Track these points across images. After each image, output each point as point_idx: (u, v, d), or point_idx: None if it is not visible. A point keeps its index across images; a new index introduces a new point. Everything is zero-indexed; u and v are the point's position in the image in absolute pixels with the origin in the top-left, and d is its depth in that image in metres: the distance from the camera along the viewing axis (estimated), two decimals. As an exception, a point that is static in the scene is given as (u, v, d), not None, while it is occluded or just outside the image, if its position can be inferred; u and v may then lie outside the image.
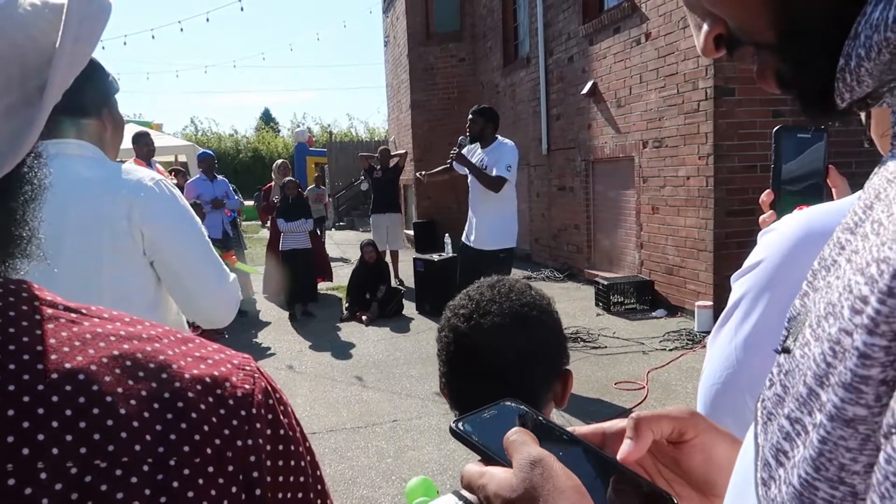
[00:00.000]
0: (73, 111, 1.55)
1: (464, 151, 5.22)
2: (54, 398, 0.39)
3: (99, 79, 1.59)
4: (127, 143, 2.30)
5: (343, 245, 14.28)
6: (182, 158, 12.86)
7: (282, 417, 0.49)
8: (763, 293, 0.78)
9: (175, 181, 8.06)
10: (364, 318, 7.29)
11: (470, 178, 5.26)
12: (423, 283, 7.64)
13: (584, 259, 9.11)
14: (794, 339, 0.34)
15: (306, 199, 8.05)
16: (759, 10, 0.37)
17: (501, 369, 0.89)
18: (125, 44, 41.42)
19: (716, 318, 5.74)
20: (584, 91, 8.47)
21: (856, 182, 1.15)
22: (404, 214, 12.13)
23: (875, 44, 0.31)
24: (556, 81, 9.69)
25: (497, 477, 0.45)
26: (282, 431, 0.49)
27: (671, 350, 5.71)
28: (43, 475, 0.37)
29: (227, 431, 0.45)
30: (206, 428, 0.44)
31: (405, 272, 9.39)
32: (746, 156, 6.12)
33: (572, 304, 7.69)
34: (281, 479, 0.48)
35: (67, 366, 0.41)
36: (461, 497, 0.89)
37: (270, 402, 0.49)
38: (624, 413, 4.41)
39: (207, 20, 21.78)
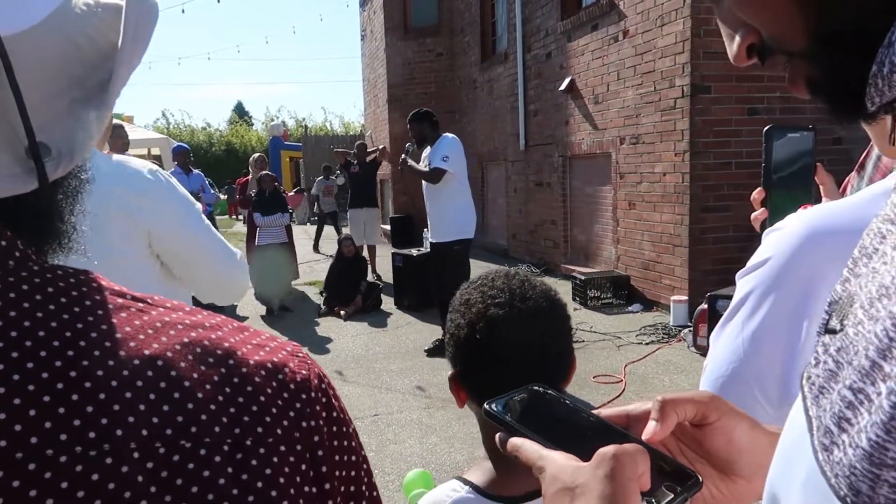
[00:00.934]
0: None
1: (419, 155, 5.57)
2: (139, 383, 0.41)
3: None
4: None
5: (319, 239, 14.18)
6: (156, 152, 12.66)
7: (334, 401, 0.52)
8: (771, 289, 0.80)
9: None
10: (343, 312, 7.27)
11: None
12: (401, 278, 7.64)
13: (560, 254, 9.18)
14: (841, 319, 0.36)
15: (283, 193, 7.99)
16: (794, 19, 0.39)
17: (542, 354, 0.91)
18: (95, 34, 40.51)
19: (691, 312, 5.81)
20: (562, 87, 8.52)
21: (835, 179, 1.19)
22: (381, 209, 12.11)
23: None
24: (533, 77, 9.74)
25: (558, 462, 0.46)
26: (335, 414, 0.51)
27: (647, 344, 5.79)
28: (136, 454, 0.39)
29: (292, 413, 0.47)
30: (273, 410, 0.46)
31: (382, 267, 9.38)
32: (722, 153, 6.22)
33: (550, 298, 7.74)
34: (337, 458, 0.50)
35: (146, 352, 0.43)
36: (465, 481, 0.91)
37: (324, 386, 0.51)
38: (591, 408, 4.47)
39: (183, 11, 21.47)
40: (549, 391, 0.55)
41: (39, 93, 0.42)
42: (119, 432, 0.39)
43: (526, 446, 0.49)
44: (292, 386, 0.48)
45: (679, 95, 6.31)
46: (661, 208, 6.76)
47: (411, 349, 5.96)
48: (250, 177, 8.92)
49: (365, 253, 9.36)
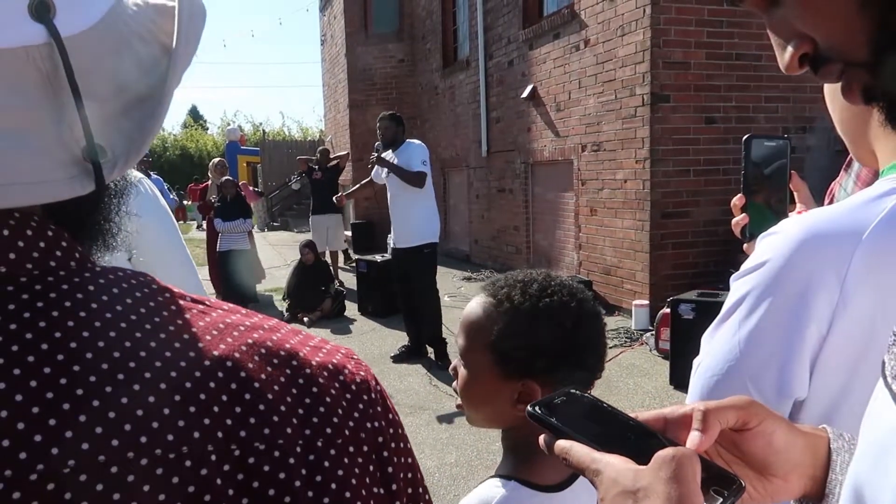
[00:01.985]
0: None
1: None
2: (211, 384, 0.41)
3: None
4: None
5: (278, 246, 14.02)
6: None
7: (388, 402, 0.52)
8: (768, 291, 0.82)
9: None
10: (306, 319, 7.18)
11: (388, 181, 5.48)
12: (365, 284, 7.60)
13: (523, 260, 9.25)
14: None
15: (245, 199, 7.87)
16: (858, 30, 0.40)
17: (599, 348, 0.98)
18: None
19: (652, 316, 5.90)
20: (524, 95, 8.61)
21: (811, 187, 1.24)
22: (344, 216, 12.03)
23: None
24: (495, 84, 9.82)
25: (615, 466, 0.47)
26: (391, 416, 0.51)
27: (611, 348, 5.88)
28: (213, 457, 0.39)
29: (356, 414, 0.47)
30: (340, 411, 0.46)
31: (346, 273, 9.32)
32: (680, 160, 6.38)
33: (513, 304, 7.80)
34: (397, 459, 0.50)
35: (215, 353, 0.43)
36: (506, 478, 0.91)
37: (379, 388, 0.51)
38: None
39: (134, 12, 20.95)
40: (587, 394, 0.56)
41: (98, 93, 0.42)
42: (196, 434, 0.39)
43: (576, 449, 0.49)
44: (353, 387, 0.48)
45: (639, 104, 6.44)
46: (622, 214, 6.88)
47: (377, 355, 5.93)
48: (209, 182, 8.76)
49: (328, 258, 9.29)
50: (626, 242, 6.86)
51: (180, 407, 0.39)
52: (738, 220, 1.08)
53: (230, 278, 7.48)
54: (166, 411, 0.39)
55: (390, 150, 5.53)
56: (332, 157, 9.82)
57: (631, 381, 5.07)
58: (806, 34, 0.43)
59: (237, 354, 0.43)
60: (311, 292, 7.47)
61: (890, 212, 0.76)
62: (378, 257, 7.65)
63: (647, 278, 6.52)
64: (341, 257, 10.00)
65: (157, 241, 1.53)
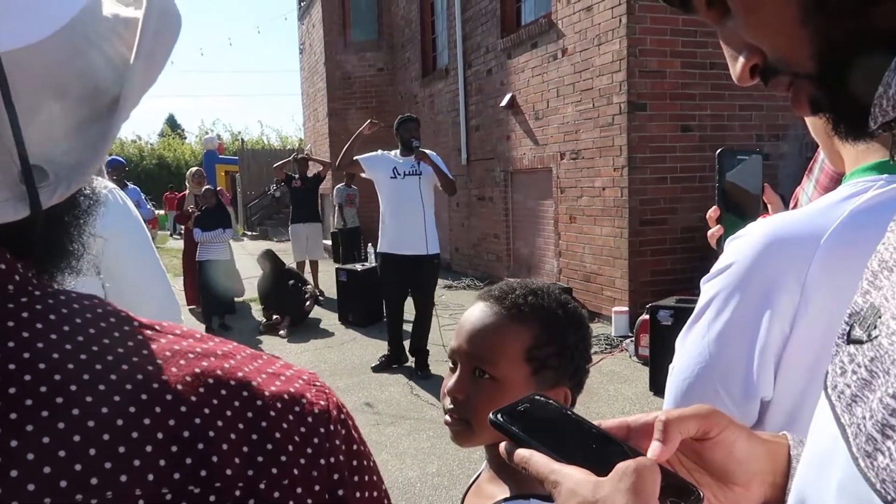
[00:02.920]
0: None
1: (385, 157, 5.35)
2: (146, 421, 0.38)
3: None
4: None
5: (256, 255, 13.89)
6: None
7: (353, 432, 0.49)
8: (734, 293, 0.84)
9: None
10: (281, 332, 7.10)
11: (403, 184, 5.28)
12: (346, 294, 7.56)
13: (503, 267, 9.28)
14: (867, 330, 0.38)
15: (225, 209, 7.81)
16: (802, 43, 0.41)
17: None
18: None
19: (632, 323, 5.94)
20: (503, 103, 8.66)
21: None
22: (322, 224, 11.97)
23: None
24: (474, 93, 9.86)
25: (573, 478, 0.47)
26: (355, 447, 0.48)
27: (591, 354, 5.90)
28: (141, 502, 0.36)
29: (310, 450, 0.44)
30: (290, 448, 0.43)
31: (325, 282, 9.27)
32: (658, 168, 6.45)
33: (494, 311, 7.81)
34: (358, 494, 0.47)
35: (155, 385, 0.40)
36: (526, 496, 0.88)
37: (342, 416, 0.48)
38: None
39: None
40: (551, 401, 0.55)
41: (43, 112, 0.39)
42: (123, 478, 0.36)
43: (535, 458, 0.49)
44: (310, 419, 0.45)
45: (617, 112, 6.51)
46: (601, 222, 6.94)
47: (357, 365, 5.90)
48: (187, 192, 8.68)
49: (307, 268, 9.24)
50: (605, 249, 6.91)
51: (107, 448, 0.36)
52: (714, 231, 1.11)
53: (209, 288, 7.41)
54: (92, 452, 0.36)
55: (398, 153, 5.34)
56: (310, 160, 9.77)
57: (611, 387, 5.09)
58: (755, 46, 0.43)
59: (180, 386, 0.40)
60: (287, 297, 7.42)
61: (848, 216, 0.79)
62: (358, 266, 7.62)
63: (627, 285, 6.57)
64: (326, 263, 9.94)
65: (127, 252, 1.51)
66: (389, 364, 5.70)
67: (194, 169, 8.67)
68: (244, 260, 12.84)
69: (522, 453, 0.50)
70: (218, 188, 8.60)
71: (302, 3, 15.50)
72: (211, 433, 0.40)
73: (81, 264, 0.48)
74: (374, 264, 7.38)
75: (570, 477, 0.47)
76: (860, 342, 0.38)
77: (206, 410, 0.40)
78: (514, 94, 8.52)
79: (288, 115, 74.59)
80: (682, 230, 6.44)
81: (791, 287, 0.79)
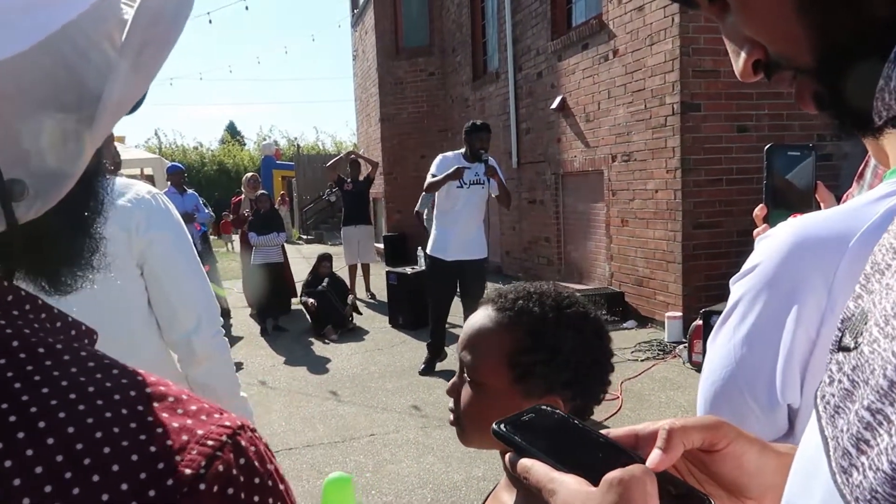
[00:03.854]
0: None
1: (453, 165, 5.31)
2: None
3: None
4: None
5: (311, 259, 14.16)
6: (148, 171, 12.64)
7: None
8: (760, 294, 0.82)
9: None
10: (333, 337, 7.19)
11: (469, 192, 5.31)
12: (396, 297, 7.63)
13: (554, 271, 9.20)
14: (855, 337, 0.36)
15: (278, 213, 8.00)
16: (800, 36, 0.39)
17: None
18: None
19: (685, 328, 5.81)
20: (554, 106, 8.60)
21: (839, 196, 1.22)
22: (375, 228, 12.12)
23: None
24: (525, 96, 9.82)
25: (569, 486, 0.46)
26: None
27: (643, 360, 5.80)
28: None
29: None
30: None
31: (377, 285, 9.37)
32: (712, 169, 6.28)
33: (544, 315, 7.75)
34: None
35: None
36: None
37: (230, 491, 0.40)
38: (598, 425, 4.46)
39: (173, 32, 21.48)
40: (557, 411, 0.55)
41: (22, 123, 0.38)
42: None
43: (536, 468, 0.48)
44: (152, 493, 0.37)
45: (669, 113, 6.38)
46: (653, 225, 6.80)
47: (406, 368, 5.94)
48: (243, 196, 8.92)
49: (359, 271, 9.36)
50: (658, 253, 6.77)
51: None
52: (759, 231, 1.07)
53: (263, 291, 7.59)
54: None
55: (461, 159, 5.37)
56: (359, 158, 9.90)
57: (663, 394, 4.99)
58: (757, 41, 0.42)
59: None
60: (334, 306, 7.50)
61: (882, 216, 0.74)
62: (408, 270, 7.67)
63: (680, 290, 6.42)
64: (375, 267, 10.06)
65: (168, 254, 1.56)
66: (432, 363, 5.75)
67: (249, 174, 8.89)
68: (299, 263, 13.12)
69: (524, 463, 0.50)
70: (281, 192, 8.79)
71: (355, 11, 15.74)
72: (15, 481, 0.35)
73: (97, 261, 0.48)
74: (423, 267, 7.43)
75: (565, 486, 0.46)
76: (848, 350, 0.36)
77: (18, 476, 0.35)
78: (565, 96, 8.45)
79: (342, 121, 75.81)
80: (737, 233, 6.25)
81: (818, 289, 0.76)
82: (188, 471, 0.38)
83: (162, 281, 1.55)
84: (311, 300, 7.36)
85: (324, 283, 7.61)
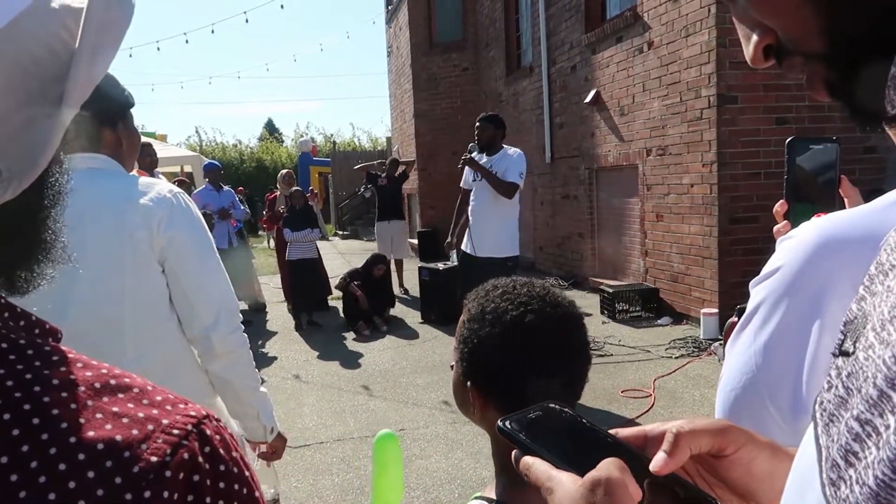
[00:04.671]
0: (90, 125, 1.58)
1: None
2: None
3: (115, 92, 1.62)
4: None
5: (347, 255, 14.31)
6: (188, 169, 12.91)
7: (209, 499, 0.42)
8: (782, 299, 0.78)
9: (181, 192, 8.12)
10: (364, 333, 7.26)
11: (476, 186, 5.29)
12: (428, 292, 7.65)
13: (588, 267, 9.12)
14: (854, 341, 0.34)
15: (312, 209, 8.08)
16: (809, 20, 0.38)
17: (575, 358, 0.91)
18: (131, 56, 41.59)
19: (721, 325, 5.70)
20: (588, 100, 8.51)
21: (861, 189, 1.18)
22: (409, 223, 12.17)
23: None
24: (559, 90, 9.73)
25: (565, 486, 0.46)
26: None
27: (677, 357, 5.71)
28: None
29: None
30: None
31: (409, 281, 9.42)
32: (750, 163, 6.14)
33: (577, 311, 7.69)
34: None
35: None
36: (487, 500, 0.90)
37: (196, 477, 0.41)
38: (627, 423, 4.41)
39: (212, 32, 22.05)
40: (566, 409, 0.54)
41: None
42: None
43: (536, 465, 0.48)
44: (118, 479, 0.38)
45: (705, 106, 6.25)
46: (689, 220, 6.68)
47: (437, 363, 5.96)
48: (278, 193, 9.03)
49: (392, 266, 9.41)
50: (693, 249, 6.65)
51: None
52: (780, 227, 1.03)
53: (298, 286, 7.69)
54: None
55: (485, 155, 5.26)
56: (400, 164, 9.98)
57: (697, 392, 4.91)
58: (767, 25, 0.40)
59: None
60: (374, 305, 7.52)
61: None
62: (440, 265, 7.69)
63: (716, 286, 6.30)
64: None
65: (188, 251, 1.59)
66: None
67: (284, 171, 9.00)
68: (335, 259, 13.26)
69: (526, 460, 0.49)
70: (310, 188, 8.89)
71: (389, 7, 15.80)
72: None
73: (56, 253, 0.48)
74: (454, 263, 7.44)
75: (562, 484, 0.46)
76: (847, 354, 0.35)
77: None
78: (599, 89, 8.35)
79: (377, 117, 76.22)
80: (776, 228, 6.09)
81: (845, 293, 0.72)
82: (154, 458, 0.39)
83: (181, 278, 1.58)
84: (360, 292, 7.38)
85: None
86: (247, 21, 20.12)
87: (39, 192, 0.45)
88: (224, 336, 1.63)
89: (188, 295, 1.59)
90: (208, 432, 0.43)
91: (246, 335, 1.71)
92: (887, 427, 0.28)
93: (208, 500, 0.42)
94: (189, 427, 0.42)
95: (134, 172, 1.73)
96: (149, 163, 6.27)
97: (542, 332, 0.89)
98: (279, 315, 8.43)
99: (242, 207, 8.26)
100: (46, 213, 0.47)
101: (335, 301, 8.81)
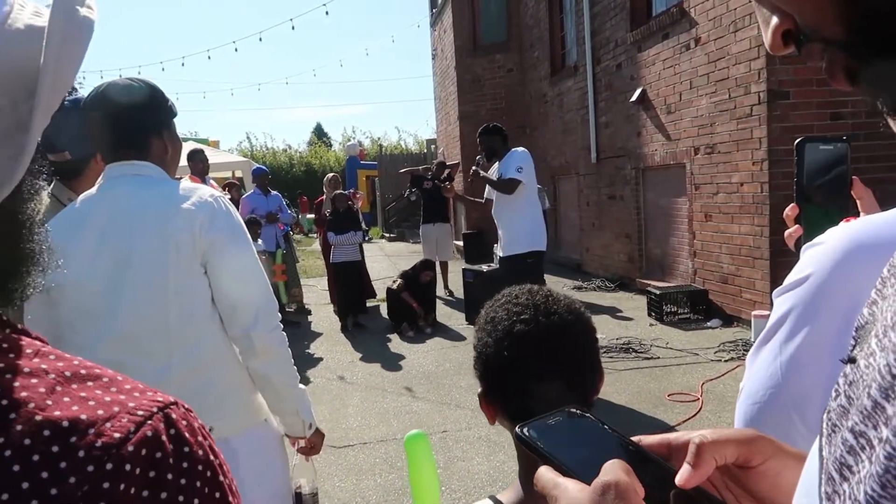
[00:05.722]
0: (136, 134, 1.65)
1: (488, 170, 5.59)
2: None
3: (160, 103, 1.69)
4: (182, 160, 2.41)
5: (394, 257, 14.43)
6: (238, 174, 13.24)
7: (170, 475, 0.43)
8: (810, 310, 0.75)
9: (229, 195, 8.33)
10: (408, 334, 7.32)
11: (493, 192, 5.49)
12: (472, 294, 7.65)
13: (635, 268, 8.97)
14: (861, 348, 0.33)
15: (356, 212, 8.17)
16: (827, 5, 0.36)
17: (569, 368, 0.90)
18: (183, 65, 43.09)
19: (773, 327, 5.55)
20: (633, 98, 8.38)
21: (886, 188, 1.12)
22: (454, 225, 12.19)
23: None
24: (604, 89, 9.61)
25: (570, 492, 0.45)
26: (165, 495, 0.42)
27: (727, 361, 5.57)
28: None
29: (54, 491, 0.38)
30: (25, 485, 0.38)
31: (454, 282, 9.43)
32: (803, 160, 5.94)
33: (624, 313, 7.58)
34: None
35: None
36: (495, 501, 0.90)
37: (158, 455, 0.42)
38: (669, 429, 4.32)
39: (260, 40, 22.53)
40: (587, 414, 0.53)
41: None
42: None
43: (542, 473, 0.47)
44: (81, 454, 0.40)
45: (755, 102, 6.08)
46: (739, 219, 6.51)
47: (481, 365, 5.95)
48: (325, 196, 9.18)
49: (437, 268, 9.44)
50: (744, 249, 6.48)
51: None
52: (791, 231, 1.00)
53: (343, 288, 7.78)
54: None
55: (496, 161, 5.56)
56: (447, 167, 10.04)
57: (747, 396, 4.77)
58: (785, 10, 0.39)
59: None
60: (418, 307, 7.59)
61: None
62: (484, 267, 7.68)
63: (768, 287, 6.11)
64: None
65: (229, 253, 1.64)
66: None
67: (330, 174, 9.13)
68: (381, 261, 13.39)
69: (540, 469, 0.48)
70: (348, 190, 8.98)
71: (434, 10, 15.88)
72: None
73: (43, 260, 0.49)
74: (497, 265, 7.43)
75: (567, 491, 0.45)
76: (854, 361, 0.33)
77: None
78: (645, 88, 8.21)
79: (423, 120, 76.62)
80: (832, 227, 5.89)
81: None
82: (116, 434, 0.41)
83: (222, 279, 1.63)
84: (415, 303, 7.47)
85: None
86: (293, 28, 20.54)
87: (18, 205, 0.47)
88: (263, 335, 1.67)
89: (229, 295, 1.64)
90: (174, 416, 0.44)
91: (284, 334, 1.75)
92: (880, 440, 0.27)
93: (169, 476, 0.43)
94: (154, 409, 0.44)
95: (186, 178, 1.79)
96: (201, 168, 6.47)
97: (528, 340, 0.89)
98: (325, 317, 8.55)
99: (290, 212, 8.42)
100: (30, 220, 0.48)
101: (375, 303, 8.89)
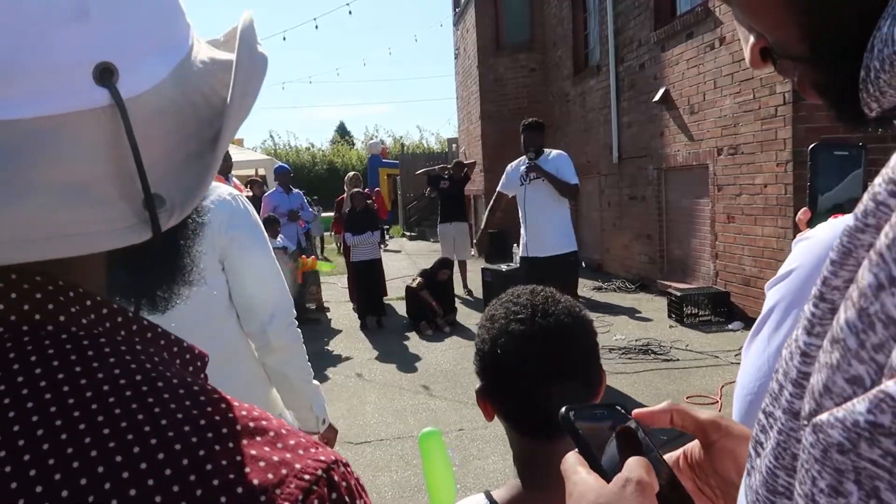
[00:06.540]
0: None
1: (515, 166, 5.49)
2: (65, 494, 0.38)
3: None
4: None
5: (414, 255, 14.47)
6: (261, 172, 13.37)
7: None
8: (796, 301, 0.77)
9: (251, 193, 8.41)
10: (427, 333, 7.34)
11: (528, 189, 5.34)
12: (491, 293, 7.65)
13: (656, 269, 8.90)
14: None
15: (374, 211, 8.20)
16: (789, 25, 0.39)
17: (564, 369, 0.90)
18: (210, 63, 43.32)
19: (795, 331, 5.51)
20: (656, 98, 8.31)
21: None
22: (473, 225, 12.19)
23: (886, 57, 0.32)
24: (627, 89, 9.55)
25: (587, 482, 0.48)
26: None
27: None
28: None
29: None
30: None
31: (473, 282, 9.43)
32: (828, 162, 5.86)
33: (644, 315, 7.53)
34: None
35: (118, 459, 0.39)
36: (489, 497, 0.91)
37: None
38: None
39: (284, 39, 22.72)
40: (629, 417, 0.55)
41: (159, 148, 0.45)
42: None
43: (567, 458, 0.51)
44: None
45: (780, 103, 6.01)
46: (762, 221, 6.44)
47: (499, 365, 5.95)
48: (345, 195, 9.24)
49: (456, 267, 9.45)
50: (767, 251, 6.40)
51: None
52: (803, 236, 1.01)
53: (361, 288, 7.82)
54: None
55: (534, 158, 5.40)
56: (465, 164, 10.05)
57: (767, 400, 4.72)
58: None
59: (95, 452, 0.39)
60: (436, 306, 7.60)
61: None
62: (503, 267, 7.68)
63: (791, 290, 6.03)
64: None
65: (246, 250, 1.67)
66: None
67: (351, 173, 9.18)
68: (402, 260, 13.43)
69: (568, 454, 0.52)
70: (365, 189, 9.01)
71: (456, 10, 15.88)
72: None
73: (194, 276, 0.54)
74: (517, 265, 7.41)
75: (584, 481, 0.48)
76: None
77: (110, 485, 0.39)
78: (668, 87, 8.15)
79: (444, 119, 76.63)
80: (857, 230, 5.79)
81: None
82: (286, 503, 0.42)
83: (239, 276, 1.66)
84: (434, 303, 7.49)
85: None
86: (316, 27, 20.80)
87: (185, 223, 0.50)
88: (279, 331, 1.70)
89: (245, 292, 1.67)
90: (336, 478, 0.45)
91: (300, 330, 1.78)
92: (775, 418, 0.31)
93: None
94: (319, 472, 0.44)
95: None
96: (224, 167, 6.53)
97: (522, 340, 0.89)
98: (345, 314, 8.61)
99: (311, 210, 8.48)
100: (189, 242, 0.52)
101: (395, 301, 8.91)
